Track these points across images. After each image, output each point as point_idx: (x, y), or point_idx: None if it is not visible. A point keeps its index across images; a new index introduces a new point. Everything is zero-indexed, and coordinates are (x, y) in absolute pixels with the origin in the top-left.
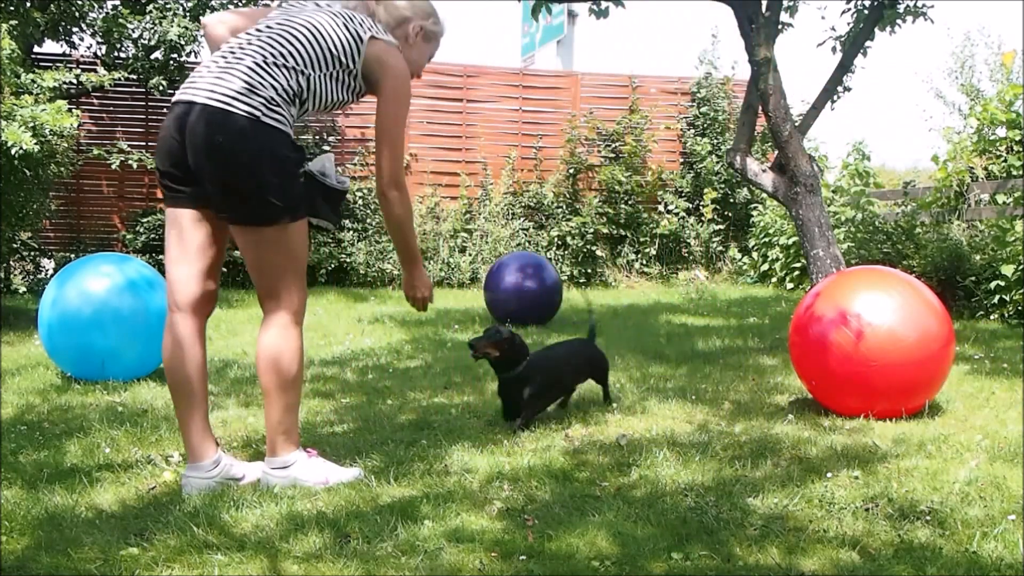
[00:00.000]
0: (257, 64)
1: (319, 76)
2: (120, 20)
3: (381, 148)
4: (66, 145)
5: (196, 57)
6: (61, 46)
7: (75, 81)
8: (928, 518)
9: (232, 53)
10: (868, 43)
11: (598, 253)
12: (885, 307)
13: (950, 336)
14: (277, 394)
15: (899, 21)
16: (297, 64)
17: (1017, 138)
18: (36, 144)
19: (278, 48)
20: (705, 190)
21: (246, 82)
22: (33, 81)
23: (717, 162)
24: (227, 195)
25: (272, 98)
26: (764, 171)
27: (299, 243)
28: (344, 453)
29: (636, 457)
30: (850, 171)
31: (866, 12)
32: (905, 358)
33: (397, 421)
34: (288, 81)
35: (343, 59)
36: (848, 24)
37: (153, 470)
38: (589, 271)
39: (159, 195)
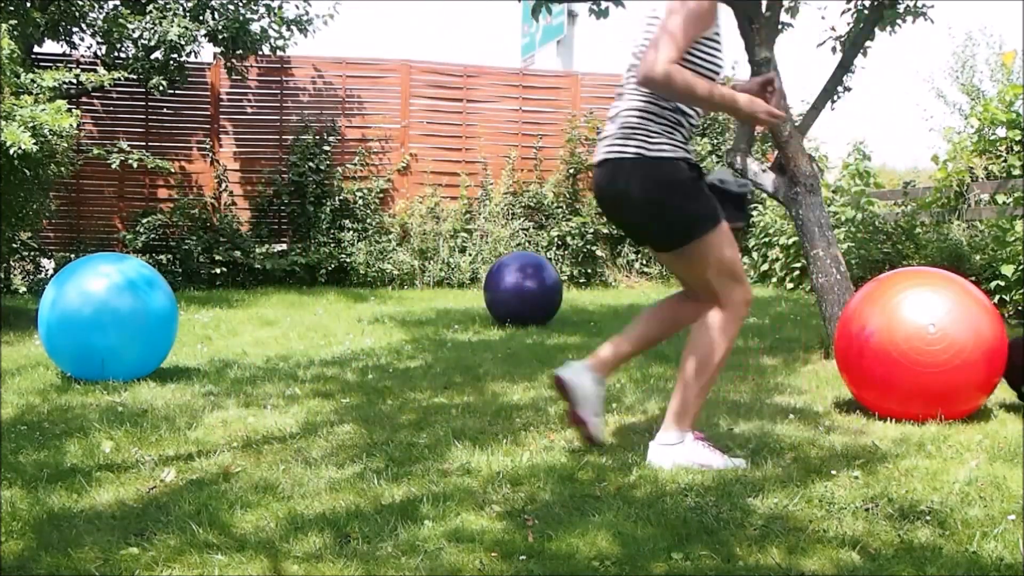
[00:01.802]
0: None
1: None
2: (120, 20)
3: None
4: (66, 145)
5: (196, 57)
6: (61, 46)
7: (75, 81)
8: (928, 518)
9: None
10: (868, 43)
11: (598, 253)
12: (938, 308)
13: (1003, 336)
14: (695, 376)
15: (899, 21)
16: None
17: (1017, 138)
18: (35, 145)
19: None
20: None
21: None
22: (33, 81)
23: (717, 162)
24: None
25: (652, 132)
26: (764, 171)
27: (720, 249)
28: (344, 453)
29: (637, 457)
30: (850, 171)
31: (866, 12)
32: (962, 360)
33: (397, 421)
34: (660, 109)
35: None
36: (848, 24)
37: (153, 470)
38: (589, 271)
39: (159, 195)
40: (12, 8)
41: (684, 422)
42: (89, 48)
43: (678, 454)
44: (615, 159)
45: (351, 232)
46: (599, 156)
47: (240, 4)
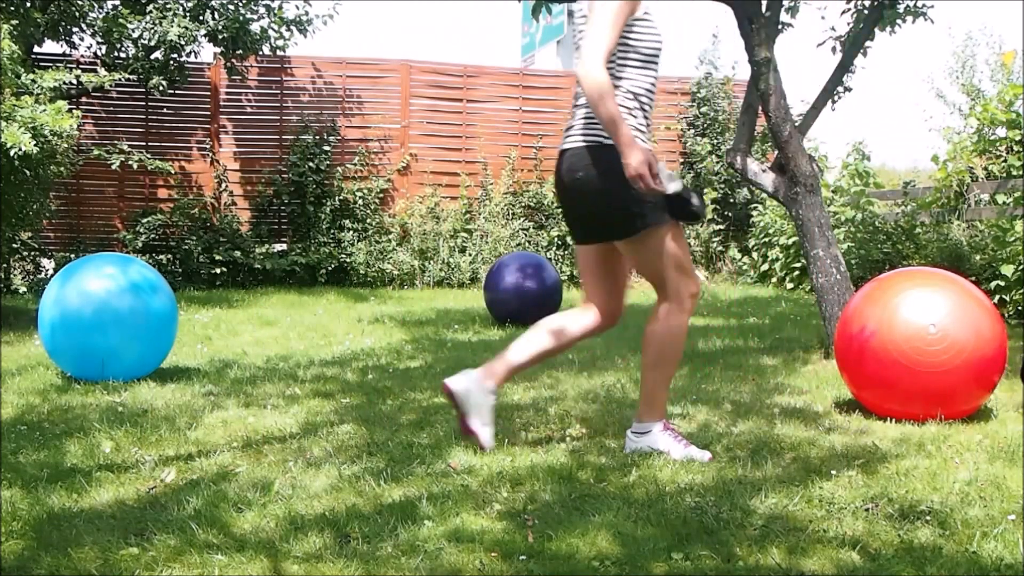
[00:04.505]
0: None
1: (615, 62)
2: (120, 20)
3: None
4: (66, 145)
5: (196, 57)
6: (61, 46)
7: (75, 81)
8: (928, 518)
9: None
10: (868, 43)
11: None
12: (940, 309)
13: (1003, 336)
14: (650, 368)
15: (899, 21)
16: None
17: (1017, 138)
18: (36, 146)
19: None
20: (705, 190)
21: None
22: (33, 81)
23: (717, 162)
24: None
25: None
26: (764, 171)
27: (672, 241)
28: (344, 453)
29: (636, 457)
30: (850, 171)
31: (866, 12)
32: (962, 361)
33: (397, 421)
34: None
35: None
36: (848, 24)
37: (153, 470)
38: None
39: (159, 195)
40: (12, 8)
41: (653, 414)
42: (89, 48)
43: (647, 442)
44: (573, 148)
45: (351, 232)
46: (561, 146)
47: (240, 4)
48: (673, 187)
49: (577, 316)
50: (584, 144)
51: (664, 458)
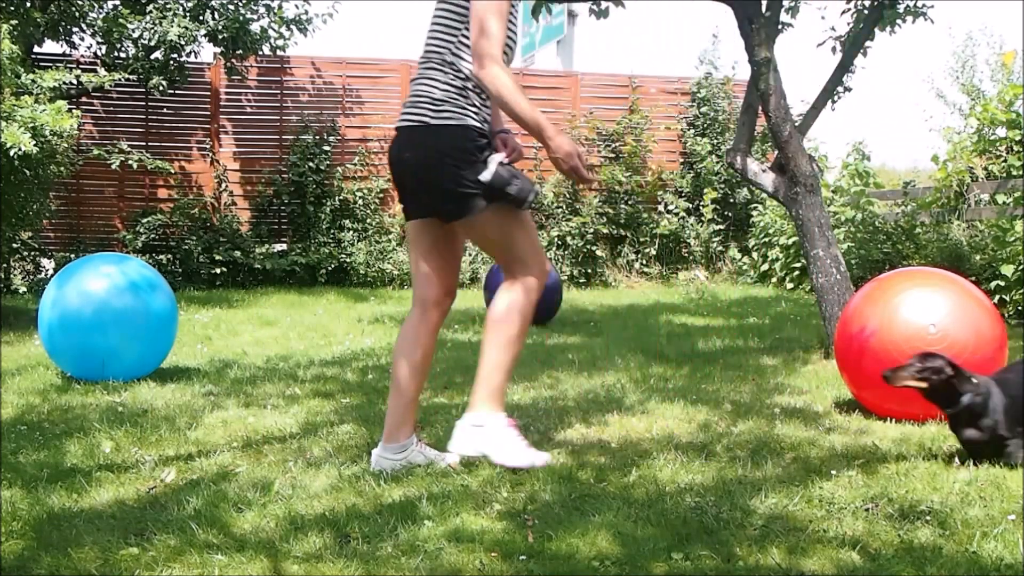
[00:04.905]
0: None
1: (459, 40)
2: (120, 20)
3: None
4: (66, 145)
5: (196, 57)
6: (61, 46)
7: (75, 81)
8: (928, 518)
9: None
10: (868, 43)
11: (598, 253)
12: (940, 309)
13: (1003, 337)
14: (489, 348)
15: (899, 21)
16: (437, 55)
17: (1017, 138)
18: (36, 146)
19: (425, 56)
20: (705, 190)
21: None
22: (33, 81)
23: (717, 162)
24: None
25: (435, 99)
26: (764, 171)
27: (510, 224)
28: (344, 453)
29: (636, 457)
30: (850, 171)
31: (866, 12)
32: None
33: None
34: (443, 74)
35: (460, 7)
36: (848, 24)
37: (153, 470)
38: (589, 271)
39: (159, 195)
40: (12, 8)
41: (493, 402)
42: (89, 48)
43: (485, 438)
44: (403, 127)
45: (351, 232)
46: (396, 123)
47: (240, 4)
48: (484, 177)
49: (419, 326)
50: (413, 123)
51: (664, 458)
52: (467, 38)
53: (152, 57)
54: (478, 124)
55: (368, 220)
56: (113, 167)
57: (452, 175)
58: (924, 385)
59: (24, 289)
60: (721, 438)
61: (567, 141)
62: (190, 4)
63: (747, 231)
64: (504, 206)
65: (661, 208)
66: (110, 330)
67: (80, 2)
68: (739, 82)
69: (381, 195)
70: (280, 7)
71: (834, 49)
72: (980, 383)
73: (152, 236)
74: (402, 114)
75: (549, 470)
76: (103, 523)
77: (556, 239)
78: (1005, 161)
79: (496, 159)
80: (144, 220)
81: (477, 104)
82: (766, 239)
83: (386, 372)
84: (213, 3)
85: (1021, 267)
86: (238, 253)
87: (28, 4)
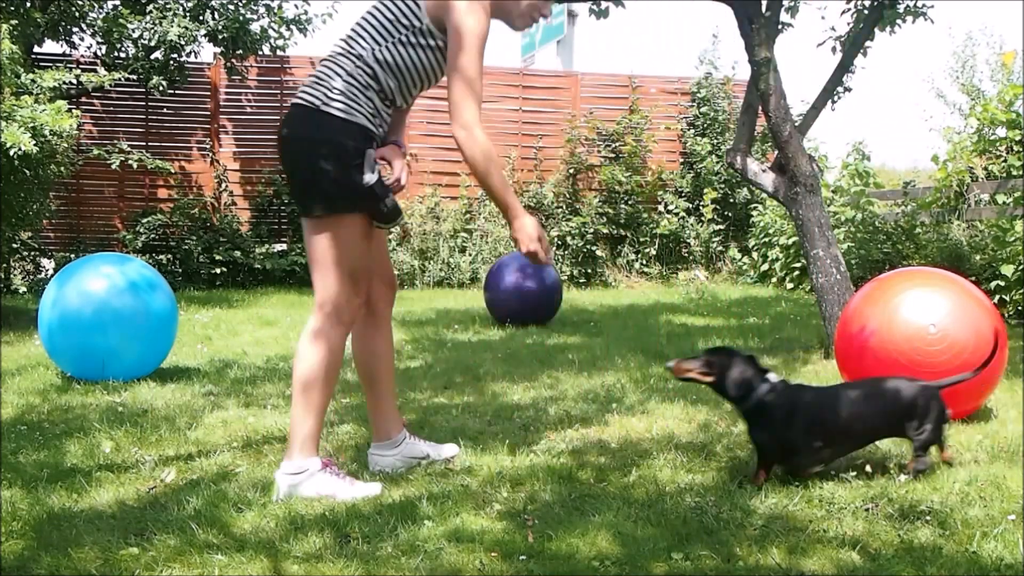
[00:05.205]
0: (328, 61)
1: (386, 47)
2: (120, 20)
3: (448, 85)
4: (66, 145)
5: (196, 57)
6: (61, 46)
7: (75, 81)
8: (928, 518)
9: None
10: (868, 43)
11: (598, 253)
12: (940, 309)
13: (1003, 336)
14: (295, 394)
15: (899, 21)
16: (357, 48)
17: (1017, 138)
18: (36, 146)
19: (343, 43)
20: (705, 190)
21: (315, 77)
22: (33, 81)
23: (717, 162)
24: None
25: (335, 88)
26: (764, 171)
27: (351, 240)
28: (344, 453)
29: (636, 457)
30: (850, 171)
31: (866, 12)
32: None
33: None
34: (355, 67)
35: (405, 20)
36: (848, 24)
37: (153, 470)
38: (589, 271)
39: (159, 195)
40: (12, 8)
41: (306, 449)
42: (89, 48)
43: (305, 486)
44: (295, 103)
45: None
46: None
47: (240, 4)
48: (368, 179)
49: (367, 320)
50: (304, 103)
51: (664, 458)
52: (395, 49)
53: (152, 57)
54: (370, 127)
55: None
56: (113, 167)
57: (320, 168)
58: (710, 380)
59: (24, 289)
60: (721, 438)
61: (531, 223)
62: (190, 4)
63: (747, 231)
64: (361, 219)
65: (661, 208)
66: (110, 330)
67: (80, 2)
68: (739, 82)
69: None
70: (280, 7)
71: (834, 49)
72: (777, 384)
73: (152, 236)
74: (299, 90)
75: (549, 470)
76: (103, 523)
77: (556, 239)
78: (1005, 161)
79: (378, 167)
80: (144, 220)
81: (375, 110)
82: (766, 239)
83: None
84: (213, 3)
85: (1021, 267)
86: (238, 253)
87: (28, 4)
